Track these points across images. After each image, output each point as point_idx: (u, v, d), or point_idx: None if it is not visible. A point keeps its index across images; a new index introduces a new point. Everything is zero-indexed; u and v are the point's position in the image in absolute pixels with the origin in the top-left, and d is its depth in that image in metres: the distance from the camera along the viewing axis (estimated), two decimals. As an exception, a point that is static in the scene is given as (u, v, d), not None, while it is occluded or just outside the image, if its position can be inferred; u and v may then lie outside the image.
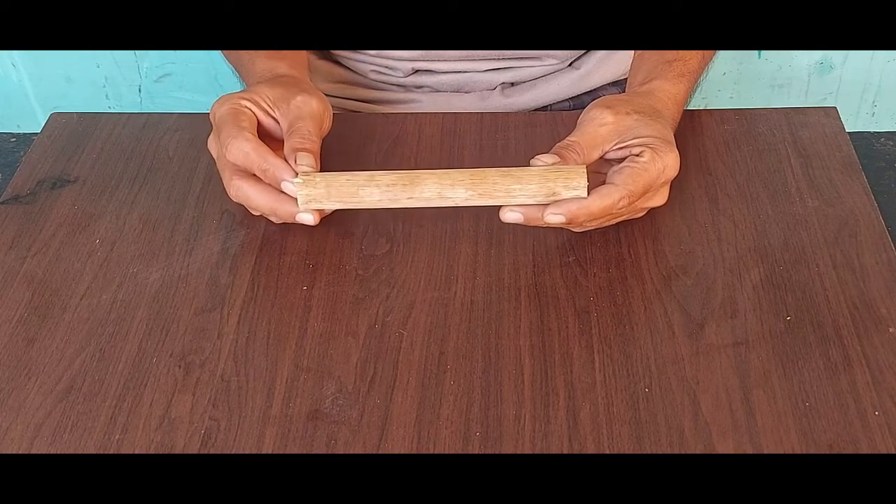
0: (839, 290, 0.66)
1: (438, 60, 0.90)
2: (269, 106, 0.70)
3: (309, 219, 0.67)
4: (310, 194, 0.66)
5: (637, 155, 0.66)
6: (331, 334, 0.65)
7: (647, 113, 0.69)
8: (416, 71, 0.92)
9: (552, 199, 0.65)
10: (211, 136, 0.71)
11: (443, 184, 0.65)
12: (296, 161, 0.66)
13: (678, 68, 0.76)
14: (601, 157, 0.68)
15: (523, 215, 0.66)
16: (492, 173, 0.65)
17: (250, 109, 0.70)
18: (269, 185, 0.67)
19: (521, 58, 0.91)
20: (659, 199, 0.69)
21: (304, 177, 0.66)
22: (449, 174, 0.66)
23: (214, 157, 0.71)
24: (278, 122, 0.71)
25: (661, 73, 0.75)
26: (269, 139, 0.70)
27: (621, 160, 0.68)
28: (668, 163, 0.66)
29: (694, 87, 0.78)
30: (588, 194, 0.65)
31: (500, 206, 0.66)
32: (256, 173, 0.67)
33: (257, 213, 0.72)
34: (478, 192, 0.65)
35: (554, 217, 0.65)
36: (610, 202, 0.65)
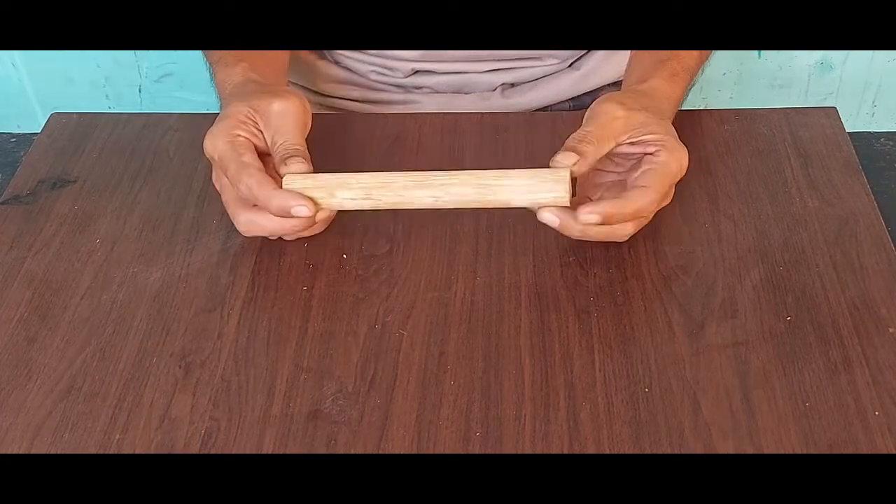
0: (839, 290, 0.66)
1: (438, 62, 0.90)
2: (253, 122, 0.69)
3: (303, 210, 0.66)
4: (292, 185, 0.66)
5: (653, 154, 0.66)
6: (331, 334, 0.65)
7: (653, 111, 0.69)
8: (416, 72, 0.91)
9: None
10: (214, 173, 0.71)
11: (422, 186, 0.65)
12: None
13: (672, 67, 0.75)
14: (611, 151, 0.68)
15: (560, 220, 0.65)
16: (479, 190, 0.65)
17: (243, 136, 0.69)
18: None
19: (522, 58, 0.91)
20: (669, 198, 0.69)
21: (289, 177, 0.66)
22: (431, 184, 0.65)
23: (219, 190, 0.71)
24: (263, 133, 0.70)
25: (655, 73, 0.74)
26: (265, 154, 0.70)
27: (632, 157, 0.67)
28: (683, 161, 0.66)
29: (690, 85, 0.78)
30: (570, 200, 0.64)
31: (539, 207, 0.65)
32: (263, 207, 0.67)
33: (274, 238, 0.71)
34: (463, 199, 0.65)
35: (589, 216, 0.64)
36: (643, 202, 0.65)
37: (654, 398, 0.60)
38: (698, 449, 0.57)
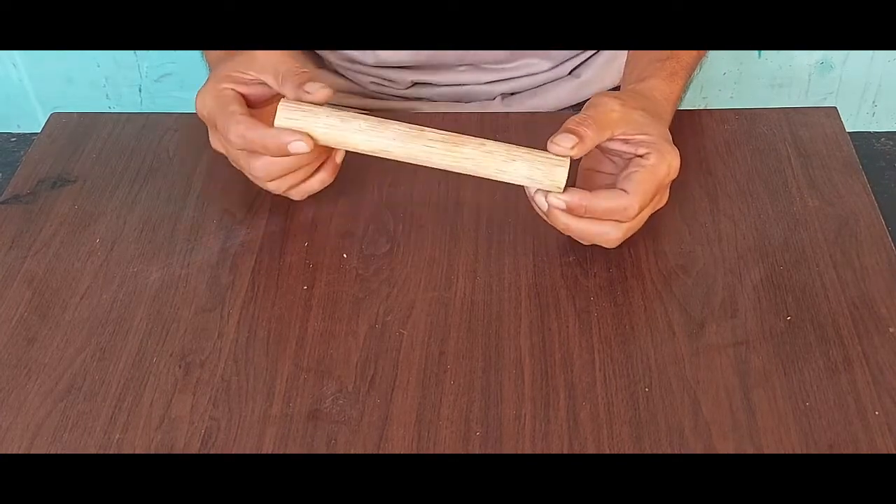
0: (839, 289, 0.66)
1: (437, 72, 0.89)
2: (241, 73, 0.69)
3: (300, 146, 0.65)
4: (290, 117, 0.65)
5: (642, 157, 0.66)
6: (331, 334, 0.65)
7: (649, 112, 0.69)
8: (415, 84, 0.91)
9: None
10: (211, 136, 0.71)
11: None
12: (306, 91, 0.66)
13: (671, 66, 0.75)
14: (606, 146, 0.68)
15: (549, 205, 0.65)
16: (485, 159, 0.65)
17: (231, 88, 0.69)
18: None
19: (518, 67, 0.90)
20: (663, 199, 0.69)
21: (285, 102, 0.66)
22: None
23: (223, 152, 0.71)
24: (259, 82, 0.69)
25: (654, 72, 0.74)
26: (261, 104, 0.69)
27: (625, 155, 0.67)
28: (673, 164, 0.66)
29: (688, 83, 0.78)
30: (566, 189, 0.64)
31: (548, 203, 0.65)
32: (259, 150, 0.67)
33: (287, 184, 0.70)
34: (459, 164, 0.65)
35: (554, 200, 0.64)
36: (617, 204, 0.64)
37: (654, 398, 0.60)
38: (698, 449, 0.57)
